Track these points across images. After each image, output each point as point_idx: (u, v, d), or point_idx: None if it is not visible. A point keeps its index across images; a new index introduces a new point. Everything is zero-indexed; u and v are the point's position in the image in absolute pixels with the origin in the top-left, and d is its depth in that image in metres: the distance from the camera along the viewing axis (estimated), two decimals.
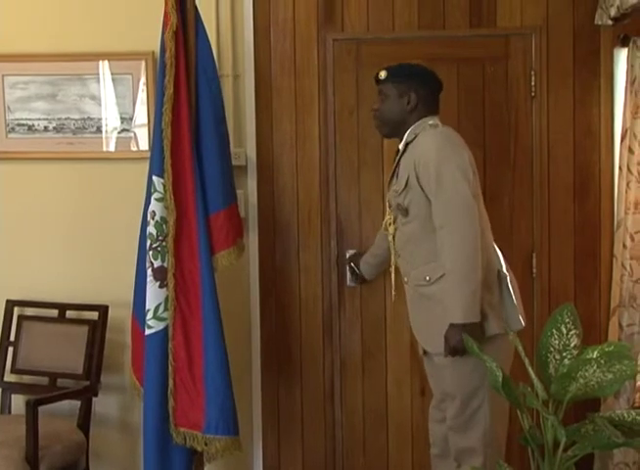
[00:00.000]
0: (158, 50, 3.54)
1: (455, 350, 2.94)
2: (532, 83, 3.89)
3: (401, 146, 3.24)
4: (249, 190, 3.95)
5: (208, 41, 3.53)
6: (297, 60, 3.97)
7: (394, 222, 3.28)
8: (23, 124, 3.96)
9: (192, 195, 3.43)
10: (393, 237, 3.30)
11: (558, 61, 3.91)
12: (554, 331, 2.65)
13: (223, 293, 3.51)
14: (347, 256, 3.92)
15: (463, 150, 3.10)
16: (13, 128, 3.96)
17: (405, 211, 3.16)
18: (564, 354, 2.63)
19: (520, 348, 2.64)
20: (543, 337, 2.67)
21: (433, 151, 3.05)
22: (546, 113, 3.92)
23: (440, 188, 2.99)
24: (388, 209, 3.36)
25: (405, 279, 3.27)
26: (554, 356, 2.64)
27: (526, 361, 2.61)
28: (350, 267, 3.87)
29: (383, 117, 3.25)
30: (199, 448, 3.44)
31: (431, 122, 3.18)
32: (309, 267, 3.98)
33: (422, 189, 3.07)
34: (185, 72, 3.44)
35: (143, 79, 3.90)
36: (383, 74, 3.24)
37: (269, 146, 3.97)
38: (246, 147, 3.95)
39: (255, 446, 4.01)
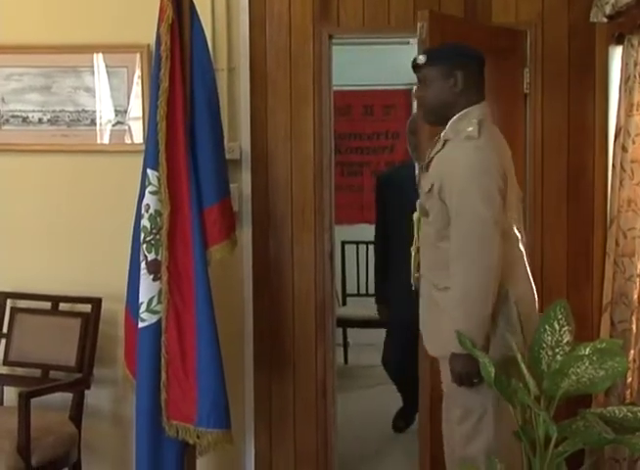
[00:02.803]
0: (153, 43, 3.54)
1: (461, 378, 2.83)
2: (527, 80, 3.90)
3: (442, 137, 3.00)
4: (242, 184, 3.95)
5: (204, 34, 3.53)
6: (292, 54, 3.96)
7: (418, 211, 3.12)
8: (18, 116, 3.94)
9: (186, 188, 3.43)
10: (417, 225, 3.12)
11: (552, 58, 3.91)
12: (547, 327, 2.65)
13: (216, 286, 3.50)
14: None
15: (495, 168, 2.84)
16: (7, 120, 3.94)
17: (426, 214, 3.00)
18: (556, 351, 2.64)
19: (512, 344, 2.65)
20: (536, 333, 2.67)
21: (461, 171, 2.83)
22: (540, 110, 3.93)
23: (461, 214, 2.81)
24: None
25: (419, 272, 3.13)
26: (546, 353, 2.64)
27: (519, 357, 2.61)
28: None
29: (428, 103, 3.01)
30: (191, 441, 3.44)
31: (470, 129, 2.89)
32: (303, 261, 3.99)
33: (443, 202, 2.89)
34: (180, 66, 3.43)
35: (138, 72, 3.89)
36: (421, 58, 2.99)
37: (264, 140, 3.97)
38: (240, 140, 3.95)
39: (247, 439, 4.01)
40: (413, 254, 3.16)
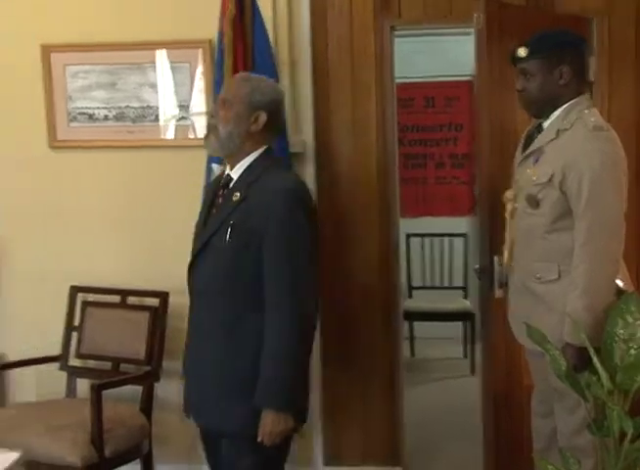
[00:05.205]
0: (214, 38, 3.57)
1: (575, 369, 2.73)
2: (592, 69, 3.81)
3: (548, 127, 2.94)
4: (307, 177, 3.94)
5: (265, 28, 3.54)
6: (354, 46, 3.95)
7: (515, 200, 3.02)
8: (84, 113, 4.01)
9: None
10: (511, 216, 3.04)
11: (619, 46, 3.83)
12: (619, 320, 2.59)
13: None
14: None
15: (624, 161, 2.81)
16: (74, 117, 4.01)
17: (536, 204, 2.90)
18: (630, 345, 2.56)
19: (583, 336, 2.60)
20: (608, 326, 2.61)
21: (593, 161, 2.75)
22: (607, 98, 3.84)
23: (592, 204, 2.74)
24: (513, 184, 3.08)
25: (512, 264, 3.08)
26: (619, 346, 2.58)
27: (591, 350, 2.56)
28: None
29: (531, 97, 2.92)
30: None
31: (592, 119, 2.84)
32: (368, 255, 3.97)
33: (563, 192, 2.82)
34: (243, 60, 3.45)
35: (200, 68, 3.92)
36: (522, 52, 2.88)
37: (327, 133, 3.96)
38: (303, 134, 3.94)
39: (315, 433, 4.01)
40: (507, 245, 3.08)
